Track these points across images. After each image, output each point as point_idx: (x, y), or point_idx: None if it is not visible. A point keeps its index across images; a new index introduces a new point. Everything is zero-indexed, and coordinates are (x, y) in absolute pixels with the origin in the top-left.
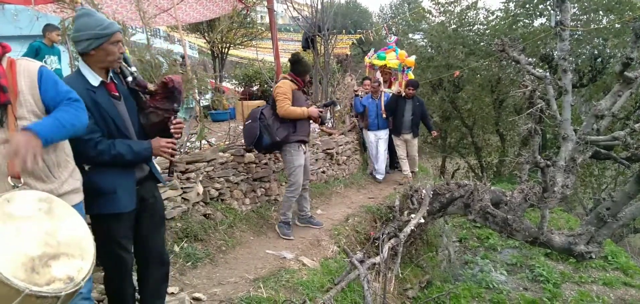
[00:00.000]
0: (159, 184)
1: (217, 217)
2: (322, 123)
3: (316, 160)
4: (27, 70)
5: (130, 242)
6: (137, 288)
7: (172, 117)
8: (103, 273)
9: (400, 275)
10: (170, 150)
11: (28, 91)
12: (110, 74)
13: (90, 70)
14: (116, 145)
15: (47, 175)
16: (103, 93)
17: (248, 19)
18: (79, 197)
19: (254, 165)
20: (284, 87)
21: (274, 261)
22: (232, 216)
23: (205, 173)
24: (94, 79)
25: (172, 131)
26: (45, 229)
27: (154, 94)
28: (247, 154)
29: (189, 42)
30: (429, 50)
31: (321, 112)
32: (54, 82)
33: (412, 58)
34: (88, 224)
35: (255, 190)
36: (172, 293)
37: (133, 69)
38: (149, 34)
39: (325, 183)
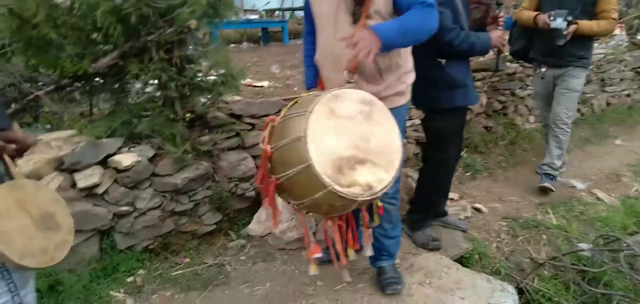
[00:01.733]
0: None
1: (498, 132)
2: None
3: (621, 79)
4: None
5: None
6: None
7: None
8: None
9: None
10: (501, 41)
11: None
12: None
13: None
14: (469, 36)
15: (376, 77)
16: None
17: None
18: (404, 99)
19: None
20: None
21: (561, 189)
22: (513, 133)
23: (490, 83)
24: None
25: (495, 24)
26: (361, 133)
27: None
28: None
29: None
30: None
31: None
32: None
33: None
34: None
35: None
36: (453, 199)
37: None
38: None
39: (629, 108)
